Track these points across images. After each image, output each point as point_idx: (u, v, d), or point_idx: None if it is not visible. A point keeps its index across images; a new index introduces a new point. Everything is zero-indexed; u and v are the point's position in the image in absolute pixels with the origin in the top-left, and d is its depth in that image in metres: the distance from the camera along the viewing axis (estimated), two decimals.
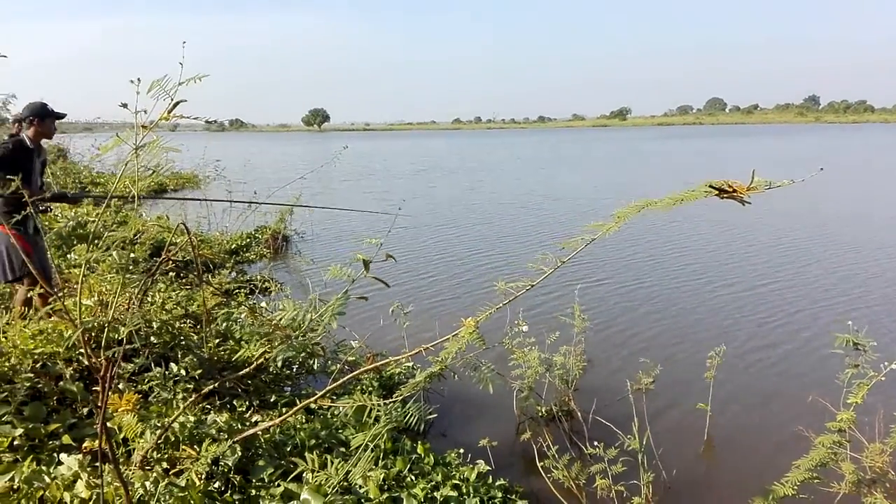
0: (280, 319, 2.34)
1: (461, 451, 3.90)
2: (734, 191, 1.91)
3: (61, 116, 5.15)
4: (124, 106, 1.82)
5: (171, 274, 6.97)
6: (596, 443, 3.77)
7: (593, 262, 9.48)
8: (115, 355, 2.21)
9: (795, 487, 3.12)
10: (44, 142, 5.24)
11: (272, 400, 4.22)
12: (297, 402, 4.08)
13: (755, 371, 5.71)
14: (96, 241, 2.47)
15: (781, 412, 4.97)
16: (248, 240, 10.78)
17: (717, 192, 1.94)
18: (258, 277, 8.42)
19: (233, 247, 10.26)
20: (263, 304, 5.98)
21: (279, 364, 4.40)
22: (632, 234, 11.49)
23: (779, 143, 50.95)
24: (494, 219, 14.89)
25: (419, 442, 3.81)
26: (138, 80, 1.87)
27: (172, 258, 4.17)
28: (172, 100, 1.99)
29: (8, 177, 4.43)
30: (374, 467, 3.14)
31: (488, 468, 3.72)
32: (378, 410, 2.67)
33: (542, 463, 3.90)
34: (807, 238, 11.57)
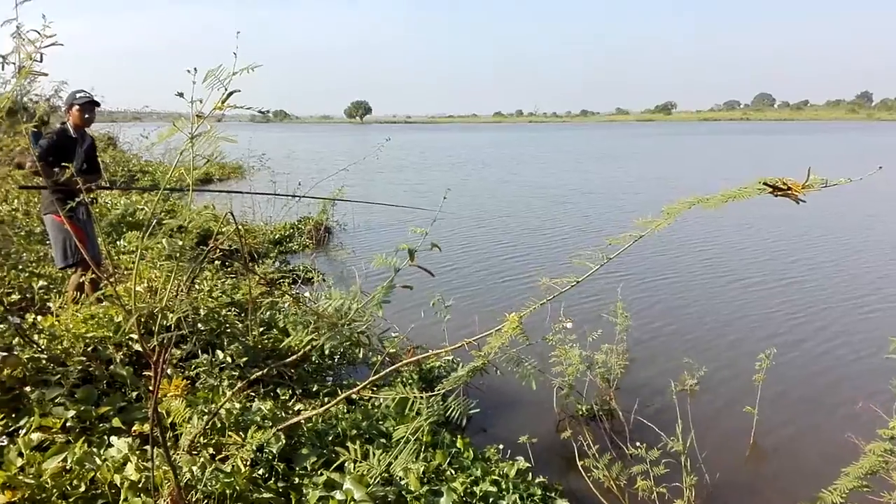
0: (327, 308, 2.35)
1: (500, 446, 3.89)
2: (789, 188, 1.86)
3: (93, 103, 5.21)
4: (180, 95, 1.85)
5: (216, 262, 7.09)
6: (638, 443, 3.72)
7: (637, 257, 9.33)
8: (167, 341, 2.26)
9: (844, 496, 3.03)
10: (93, 130, 5.36)
11: (314, 389, 4.27)
12: (339, 391, 4.13)
13: (804, 375, 5.56)
14: (149, 229, 2.53)
15: (830, 418, 4.84)
16: (292, 230, 10.93)
17: (771, 189, 1.89)
18: (301, 267, 8.52)
19: (276, 237, 10.41)
20: (307, 294, 6.04)
21: (325, 352, 4.44)
22: (678, 230, 11.29)
23: (828, 140, 49.44)
24: (524, 212, 14.89)
25: (459, 436, 3.81)
26: (194, 69, 1.90)
27: (219, 247, 4.24)
28: (226, 90, 2.02)
29: (63, 164, 4.57)
30: (414, 460, 3.15)
31: (528, 465, 3.70)
32: (420, 403, 2.68)
33: (582, 462, 3.86)
34: (862, 241, 11.19)
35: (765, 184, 1.90)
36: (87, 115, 5.16)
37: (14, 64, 2.74)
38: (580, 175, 24.07)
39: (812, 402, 5.09)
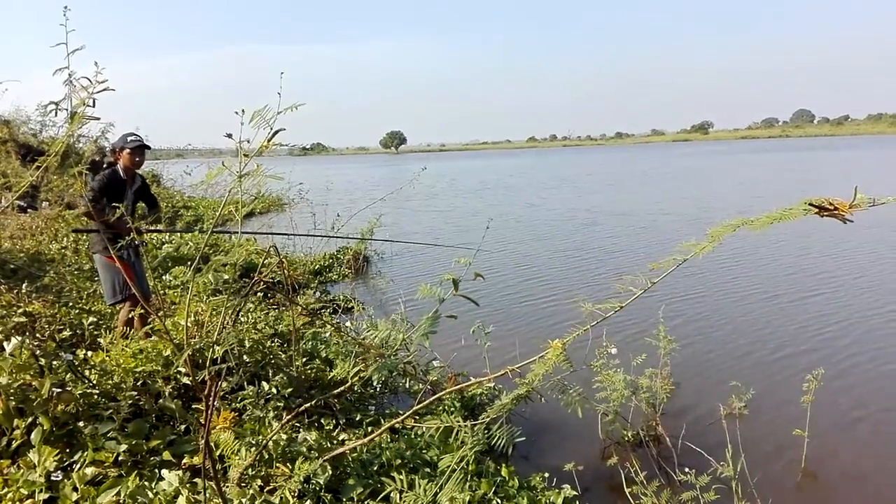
0: (373, 339, 2.38)
1: (546, 474, 3.85)
2: (835, 209, 1.83)
3: (142, 145, 5.24)
4: (229, 136, 1.91)
5: (259, 294, 7.22)
6: (686, 469, 3.65)
7: (678, 279, 9.20)
8: (216, 374, 2.31)
9: None
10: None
11: (357, 418, 4.29)
12: (382, 420, 4.14)
13: (856, 396, 5.38)
14: (198, 266, 2.59)
15: (885, 440, 4.67)
16: (331, 260, 11.07)
17: (816, 210, 1.87)
18: (341, 297, 8.60)
19: (316, 267, 10.55)
20: (348, 324, 6.10)
21: (374, 382, 4.47)
22: (720, 251, 11.09)
23: (870, 155, 48.27)
24: (551, 236, 14.92)
25: (504, 464, 3.78)
26: (242, 111, 1.96)
27: (262, 279, 4.32)
28: (271, 129, 2.08)
29: (113, 205, 4.73)
30: (460, 490, 3.14)
31: (574, 493, 3.66)
32: (464, 432, 2.67)
33: (629, 489, 3.79)
34: None
35: (810, 204, 1.88)
36: (137, 159, 5.25)
37: (66, 110, 2.87)
38: (608, 196, 23.99)
39: (866, 424, 4.92)
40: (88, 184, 5.05)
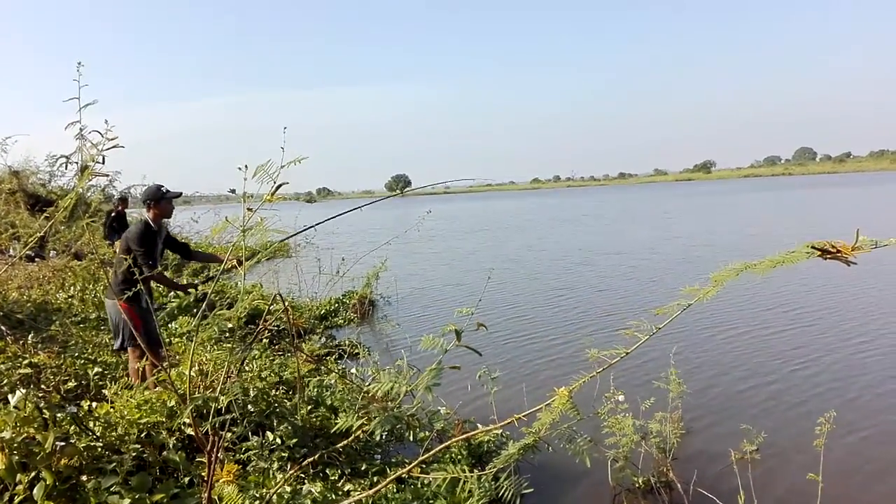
0: (376, 391, 2.36)
1: None
2: (838, 251, 1.84)
3: (177, 195, 5.43)
4: (232, 191, 1.94)
5: (264, 341, 7.20)
6: None
7: (687, 321, 9.13)
8: (219, 427, 2.29)
9: None
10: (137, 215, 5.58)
11: (363, 468, 4.23)
12: (388, 470, 4.08)
13: (870, 438, 5.29)
14: (203, 314, 2.60)
15: None
16: (337, 305, 11.06)
17: (819, 252, 1.87)
18: (347, 342, 8.57)
19: (322, 312, 10.54)
20: (353, 371, 6.06)
21: (378, 436, 4.42)
22: (727, 293, 11.03)
23: (873, 192, 48.34)
24: (544, 275, 15.11)
25: None
26: (245, 166, 1.99)
27: (268, 327, 4.32)
28: (275, 182, 2.11)
29: (121, 256, 4.79)
30: None
31: None
32: (471, 482, 2.63)
33: None
34: None
35: (812, 247, 1.89)
36: (172, 208, 5.44)
37: (76, 163, 2.92)
38: (605, 237, 24.19)
39: (881, 467, 4.82)
40: (127, 237, 5.17)
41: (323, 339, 8.75)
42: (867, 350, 7.64)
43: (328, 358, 7.68)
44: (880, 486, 4.60)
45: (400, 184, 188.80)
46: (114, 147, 2.51)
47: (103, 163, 2.57)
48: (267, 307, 4.34)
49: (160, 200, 5.27)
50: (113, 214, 11.58)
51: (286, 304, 4.08)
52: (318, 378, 5.44)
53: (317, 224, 3.27)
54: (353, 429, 2.45)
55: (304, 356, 5.83)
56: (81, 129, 2.78)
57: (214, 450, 2.09)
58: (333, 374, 5.23)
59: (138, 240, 5.06)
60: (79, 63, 2.83)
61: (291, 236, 3.08)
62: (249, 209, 1.99)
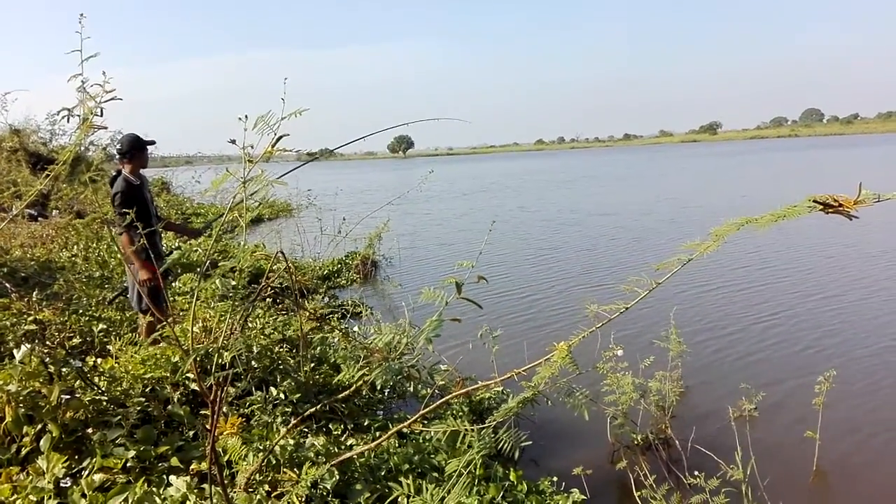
0: (377, 343, 2.38)
1: (555, 478, 3.83)
2: (840, 205, 1.82)
3: (152, 143, 5.11)
4: (232, 142, 1.92)
5: (268, 300, 7.24)
6: (696, 472, 3.63)
7: (685, 279, 9.15)
8: (222, 380, 2.31)
9: None
10: (147, 174, 5.37)
11: (365, 423, 4.29)
12: (390, 425, 4.14)
13: (868, 397, 5.33)
14: (205, 271, 2.60)
15: None
16: (339, 265, 11.08)
17: (821, 206, 1.86)
18: (349, 302, 8.61)
19: (325, 272, 10.57)
20: (356, 329, 6.10)
21: (376, 387, 4.46)
22: (728, 250, 11.04)
23: (878, 153, 47.91)
24: (547, 237, 15.13)
25: (512, 468, 3.77)
26: (245, 116, 1.97)
27: (271, 285, 4.33)
28: (276, 134, 2.09)
29: (124, 211, 4.72)
30: (468, 494, 3.13)
31: (583, 497, 3.64)
32: (471, 436, 2.66)
33: (639, 493, 3.77)
34: None
35: (814, 201, 1.87)
36: (148, 156, 5.15)
37: (78, 116, 2.90)
38: (602, 198, 24.16)
39: (879, 426, 4.87)
40: (114, 204, 4.86)
41: (326, 299, 8.80)
42: (869, 308, 7.66)
43: (331, 317, 7.72)
44: (875, 442, 4.65)
45: (403, 145, 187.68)
46: (112, 100, 2.49)
47: (101, 115, 2.54)
48: (269, 266, 4.34)
49: (144, 149, 5.03)
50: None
51: (289, 262, 4.09)
52: (320, 336, 5.47)
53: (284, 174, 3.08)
54: (355, 380, 2.47)
55: (307, 314, 5.86)
56: (83, 82, 2.76)
57: (217, 401, 2.11)
58: (336, 332, 5.26)
59: (127, 201, 4.70)
60: (81, 14, 2.79)
61: (286, 174, 3.01)
62: (251, 160, 1.97)
